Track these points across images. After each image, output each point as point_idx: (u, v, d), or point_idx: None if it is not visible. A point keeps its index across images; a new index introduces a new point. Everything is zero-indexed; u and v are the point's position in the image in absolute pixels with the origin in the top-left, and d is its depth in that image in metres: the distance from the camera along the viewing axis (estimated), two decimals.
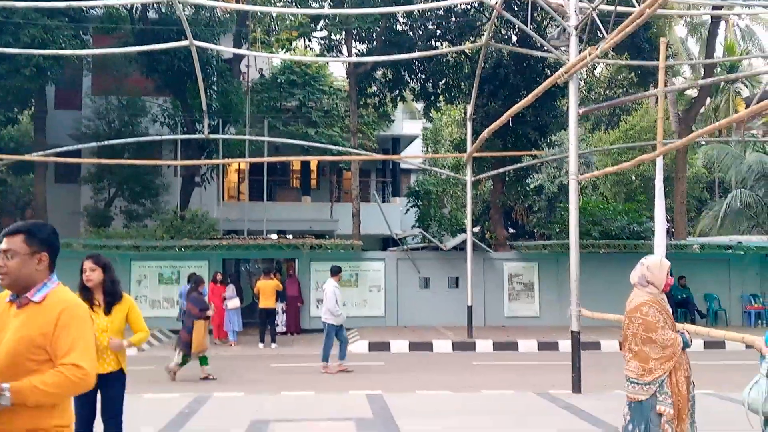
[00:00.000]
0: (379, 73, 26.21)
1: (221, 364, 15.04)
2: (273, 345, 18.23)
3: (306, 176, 34.18)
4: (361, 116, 28.13)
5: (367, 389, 11.67)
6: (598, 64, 26.87)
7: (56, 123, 25.25)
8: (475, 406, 10.43)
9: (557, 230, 23.23)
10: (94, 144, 21.26)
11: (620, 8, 11.88)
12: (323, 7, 23.84)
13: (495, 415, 9.71)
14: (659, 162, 10.35)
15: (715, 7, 18.94)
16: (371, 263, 22.26)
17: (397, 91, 26.53)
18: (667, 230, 15.50)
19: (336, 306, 13.72)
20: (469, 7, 22.82)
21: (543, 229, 27.22)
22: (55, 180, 26.69)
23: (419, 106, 31.72)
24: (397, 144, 35.54)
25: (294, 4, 24.10)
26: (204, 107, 18.55)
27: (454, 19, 23.25)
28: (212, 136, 21.00)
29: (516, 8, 22.26)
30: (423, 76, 25.93)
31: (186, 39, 15.34)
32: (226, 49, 22.82)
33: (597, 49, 10.54)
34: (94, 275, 6.13)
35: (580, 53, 11.47)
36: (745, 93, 35.58)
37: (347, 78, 25.31)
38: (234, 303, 18.47)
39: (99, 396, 6.09)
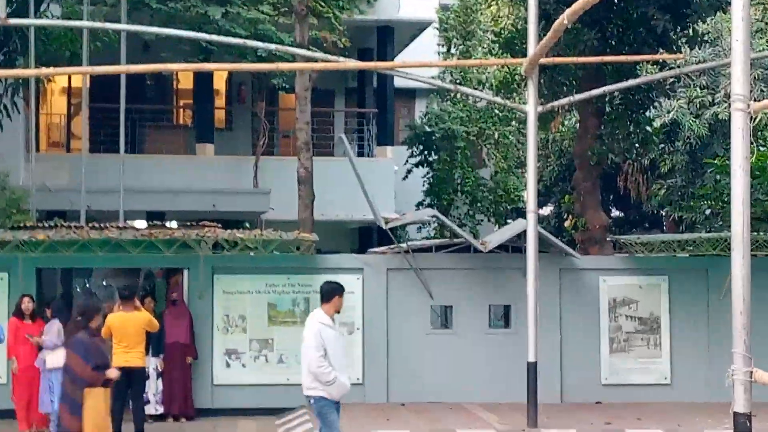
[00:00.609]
0: None
1: None
2: None
3: (204, 104, 23.58)
4: None
5: None
6: None
7: None
8: None
9: (706, 214, 18.69)
10: None
11: None
12: None
13: None
14: None
15: None
16: (337, 276, 14.30)
17: None
18: None
19: (322, 362, 8.99)
20: None
21: (679, 212, 21.03)
22: None
23: None
24: (387, 38, 24.32)
25: None
26: None
27: None
28: (14, 20, 14.63)
29: None
30: None
31: None
32: None
33: None
34: None
35: None
36: None
37: None
38: (56, 358, 13.02)
39: None
